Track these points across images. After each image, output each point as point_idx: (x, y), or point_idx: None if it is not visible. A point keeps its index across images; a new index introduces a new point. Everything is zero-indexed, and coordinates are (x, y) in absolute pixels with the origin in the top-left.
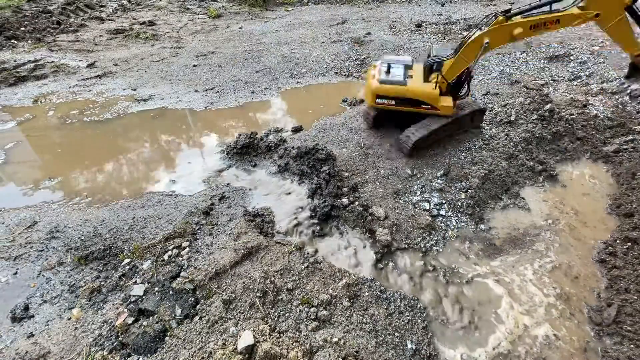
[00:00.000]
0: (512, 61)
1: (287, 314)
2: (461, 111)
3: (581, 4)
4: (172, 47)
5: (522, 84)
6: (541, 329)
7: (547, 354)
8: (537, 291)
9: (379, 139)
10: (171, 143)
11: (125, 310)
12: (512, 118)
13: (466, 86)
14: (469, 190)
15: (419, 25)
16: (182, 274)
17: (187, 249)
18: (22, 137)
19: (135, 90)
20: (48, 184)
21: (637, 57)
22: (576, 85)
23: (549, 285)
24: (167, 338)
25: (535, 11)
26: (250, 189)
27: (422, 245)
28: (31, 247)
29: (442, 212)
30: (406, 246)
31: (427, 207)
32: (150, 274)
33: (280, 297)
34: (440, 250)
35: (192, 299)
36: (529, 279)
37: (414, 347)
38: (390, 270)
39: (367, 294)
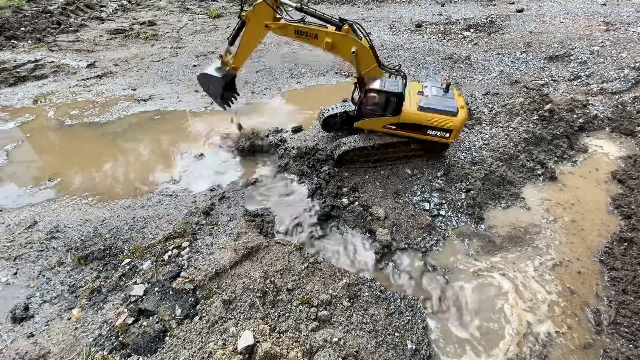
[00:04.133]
0: (512, 61)
1: (287, 314)
2: None
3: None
4: (172, 47)
5: (522, 84)
6: (543, 326)
7: (549, 351)
8: (540, 288)
9: None
10: (171, 143)
11: (125, 310)
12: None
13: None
14: (471, 192)
15: (419, 25)
16: (182, 274)
17: (187, 249)
18: (22, 138)
19: (135, 90)
20: (48, 184)
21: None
22: (576, 85)
23: (550, 282)
24: (167, 338)
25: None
26: (249, 189)
27: (422, 245)
28: (31, 247)
29: (442, 212)
30: (406, 246)
31: (427, 207)
32: (150, 274)
33: (280, 297)
34: (441, 250)
35: (192, 299)
36: (531, 275)
37: (414, 347)
38: (390, 270)
39: (367, 294)
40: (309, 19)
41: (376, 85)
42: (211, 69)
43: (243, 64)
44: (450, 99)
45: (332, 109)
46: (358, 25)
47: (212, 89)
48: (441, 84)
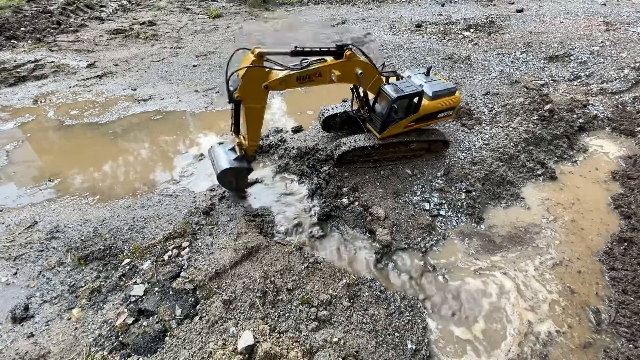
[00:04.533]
0: (512, 61)
1: (287, 314)
2: None
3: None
4: (172, 47)
5: (522, 84)
6: (544, 325)
7: (549, 351)
8: (540, 287)
9: None
10: (170, 144)
11: (125, 310)
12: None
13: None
14: (471, 192)
15: (419, 25)
16: (182, 274)
17: (187, 249)
18: (22, 138)
19: (135, 90)
20: (48, 184)
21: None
22: (576, 85)
23: (551, 281)
24: (167, 338)
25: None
26: (250, 190)
27: (422, 245)
28: (31, 247)
29: (442, 212)
30: (406, 246)
31: (427, 207)
32: (150, 274)
33: (280, 297)
34: (441, 249)
35: (192, 299)
36: (531, 274)
37: (414, 347)
38: (390, 270)
39: (367, 294)
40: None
41: (397, 92)
42: (227, 161)
43: (259, 140)
44: (440, 80)
45: (332, 109)
46: (351, 45)
47: (238, 183)
48: (418, 70)
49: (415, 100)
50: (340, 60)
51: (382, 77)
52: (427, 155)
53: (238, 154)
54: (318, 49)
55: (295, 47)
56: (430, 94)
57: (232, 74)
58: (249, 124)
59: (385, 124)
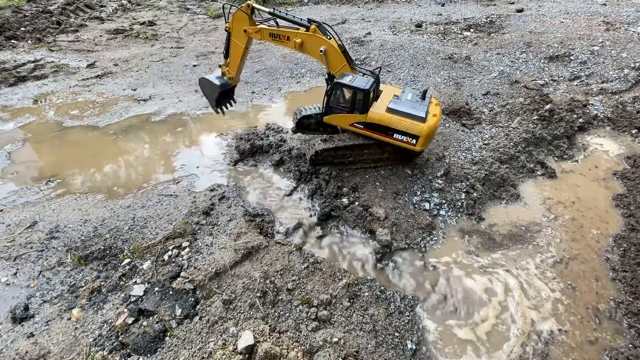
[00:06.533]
0: (512, 61)
1: (287, 314)
2: None
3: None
4: (172, 47)
5: (522, 84)
6: (546, 324)
7: (550, 349)
8: (541, 285)
9: None
10: (170, 144)
11: (125, 310)
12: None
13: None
14: (471, 192)
15: (419, 25)
16: (182, 274)
17: (187, 249)
18: (23, 138)
19: (135, 90)
20: (49, 184)
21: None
22: (576, 85)
23: (551, 279)
24: (167, 338)
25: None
26: (250, 189)
27: (422, 245)
28: (31, 247)
29: (442, 212)
30: (406, 246)
31: (427, 207)
32: (150, 274)
33: (280, 297)
34: (441, 249)
35: (192, 299)
36: (533, 272)
37: (414, 347)
38: (390, 270)
39: (367, 294)
40: (282, 22)
41: (345, 79)
42: (212, 76)
43: (237, 72)
44: (423, 105)
45: (308, 109)
46: (327, 26)
47: (208, 94)
48: (420, 91)
49: (360, 96)
50: (306, 32)
51: (354, 69)
52: (399, 161)
53: (221, 75)
54: (292, 17)
55: (274, 9)
56: (390, 107)
57: (230, 7)
58: (231, 55)
59: (329, 108)
